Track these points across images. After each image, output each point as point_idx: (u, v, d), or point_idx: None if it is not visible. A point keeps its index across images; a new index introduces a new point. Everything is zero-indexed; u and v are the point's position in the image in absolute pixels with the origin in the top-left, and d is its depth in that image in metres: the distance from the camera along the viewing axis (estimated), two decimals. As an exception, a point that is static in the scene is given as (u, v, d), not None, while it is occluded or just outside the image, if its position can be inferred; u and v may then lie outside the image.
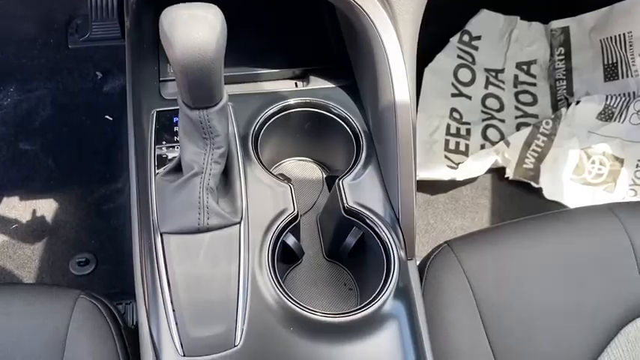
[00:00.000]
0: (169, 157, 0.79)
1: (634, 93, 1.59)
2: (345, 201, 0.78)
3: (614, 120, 1.58)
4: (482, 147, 1.59)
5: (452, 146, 1.59)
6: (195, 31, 0.56)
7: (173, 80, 0.87)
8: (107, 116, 1.56)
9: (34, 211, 1.42)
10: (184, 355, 0.67)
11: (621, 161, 1.57)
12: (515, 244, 0.91)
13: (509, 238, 0.92)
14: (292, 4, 0.99)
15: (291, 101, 0.87)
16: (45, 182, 1.47)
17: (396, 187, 0.77)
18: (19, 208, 1.43)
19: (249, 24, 0.95)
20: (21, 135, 1.53)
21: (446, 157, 1.56)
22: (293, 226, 0.76)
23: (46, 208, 1.43)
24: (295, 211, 0.76)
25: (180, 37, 0.56)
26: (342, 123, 0.87)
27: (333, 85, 0.90)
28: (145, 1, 0.97)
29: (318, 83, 0.90)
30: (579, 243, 0.91)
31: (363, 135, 0.85)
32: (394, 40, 0.77)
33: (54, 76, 1.61)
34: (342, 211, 0.78)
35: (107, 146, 1.51)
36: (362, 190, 0.79)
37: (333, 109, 0.87)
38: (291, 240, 0.76)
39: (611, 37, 1.62)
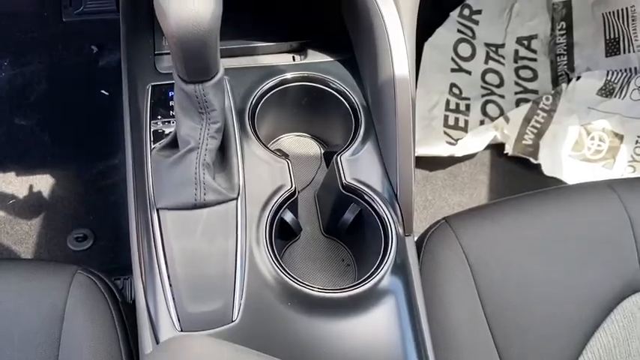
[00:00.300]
0: (165, 132, 0.78)
1: (635, 69, 1.57)
2: (343, 177, 0.77)
3: (615, 96, 1.57)
4: (482, 123, 1.58)
5: (451, 122, 1.58)
6: (190, 1, 0.55)
7: (168, 54, 0.86)
8: (103, 91, 1.54)
9: (30, 187, 1.42)
10: (182, 330, 0.67)
11: (621, 137, 1.56)
12: (513, 220, 0.91)
13: (508, 214, 0.92)
14: None
15: (289, 75, 0.85)
16: (41, 158, 1.46)
17: (395, 163, 0.77)
18: (15, 184, 1.42)
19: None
20: (16, 110, 1.51)
21: (445, 132, 1.55)
22: (291, 202, 0.76)
23: (43, 183, 1.43)
24: (293, 187, 0.76)
25: (174, 8, 0.55)
26: (341, 98, 0.85)
27: (332, 59, 0.89)
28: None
29: (316, 57, 0.89)
30: (578, 219, 0.91)
31: (361, 110, 0.84)
32: (394, 13, 0.76)
33: (49, 51, 1.59)
34: (340, 188, 0.77)
35: (104, 121, 1.50)
36: (360, 166, 0.79)
37: (331, 84, 0.86)
38: (288, 216, 0.76)
39: (613, 12, 1.59)
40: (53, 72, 1.57)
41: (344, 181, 0.77)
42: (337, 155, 0.79)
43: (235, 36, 0.89)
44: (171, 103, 0.80)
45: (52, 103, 1.53)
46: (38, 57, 1.58)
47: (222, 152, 0.74)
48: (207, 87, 0.64)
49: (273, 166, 0.77)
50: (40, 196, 1.41)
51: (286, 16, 0.93)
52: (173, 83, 0.65)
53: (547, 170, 1.51)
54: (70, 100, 1.53)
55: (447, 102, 1.60)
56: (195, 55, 0.59)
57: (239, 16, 0.89)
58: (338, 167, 0.78)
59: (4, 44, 1.59)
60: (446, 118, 1.58)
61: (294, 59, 0.90)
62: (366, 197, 0.77)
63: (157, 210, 0.70)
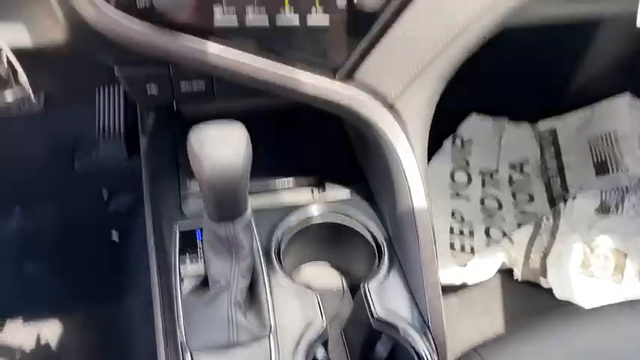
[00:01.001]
0: (193, 272, 0.78)
1: (626, 187, 1.62)
2: (373, 309, 0.77)
3: (612, 214, 1.61)
4: (487, 246, 1.60)
5: (457, 247, 1.59)
6: (223, 147, 0.58)
7: (194, 195, 0.89)
8: (114, 237, 1.55)
9: (38, 337, 1.37)
10: None
11: (624, 254, 1.57)
12: (543, 344, 0.89)
13: (536, 339, 0.90)
14: (301, 118, 1.03)
15: (310, 213, 0.88)
16: (50, 305, 1.43)
17: (423, 292, 0.77)
18: (22, 335, 1.38)
19: (266, 138, 0.99)
20: (26, 257, 1.51)
21: (452, 256, 1.56)
22: (323, 338, 0.75)
23: (52, 332, 1.38)
24: (325, 323, 0.75)
25: (208, 155, 0.58)
26: (362, 230, 0.88)
27: (350, 192, 0.92)
28: (162, 122, 1.01)
29: (334, 190, 0.92)
30: (606, 340, 0.90)
31: (383, 240, 0.86)
32: (407, 149, 0.81)
33: (59, 197, 1.62)
34: (372, 320, 0.76)
35: (114, 268, 1.49)
36: (388, 297, 0.79)
37: (351, 217, 0.88)
38: (320, 353, 0.74)
39: (597, 137, 1.69)
40: (64, 218, 1.58)
41: (375, 314, 0.76)
42: (364, 285, 0.79)
43: (254, 175, 0.93)
44: (198, 243, 0.82)
45: (62, 250, 1.53)
46: (49, 203, 1.60)
47: (251, 289, 0.74)
48: (237, 226, 0.66)
49: (303, 299, 0.77)
50: (48, 348, 1.36)
51: (303, 154, 0.98)
52: (199, 223, 0.67)
53: (558, 294, 1.49)
54: (80, 246, 1.53)
55: (451, 228, 1.62)
56: (227, 198, 0.62)
57: (257, 156, 0.93)
58: (367, 299, 0.78)
59: (15, 191, 1.62)
60: (452, 244, 1.59)
61: (312, 193, 0.93)
62: (400, 329, 0.76)
63: (190, 351, 0.68)
